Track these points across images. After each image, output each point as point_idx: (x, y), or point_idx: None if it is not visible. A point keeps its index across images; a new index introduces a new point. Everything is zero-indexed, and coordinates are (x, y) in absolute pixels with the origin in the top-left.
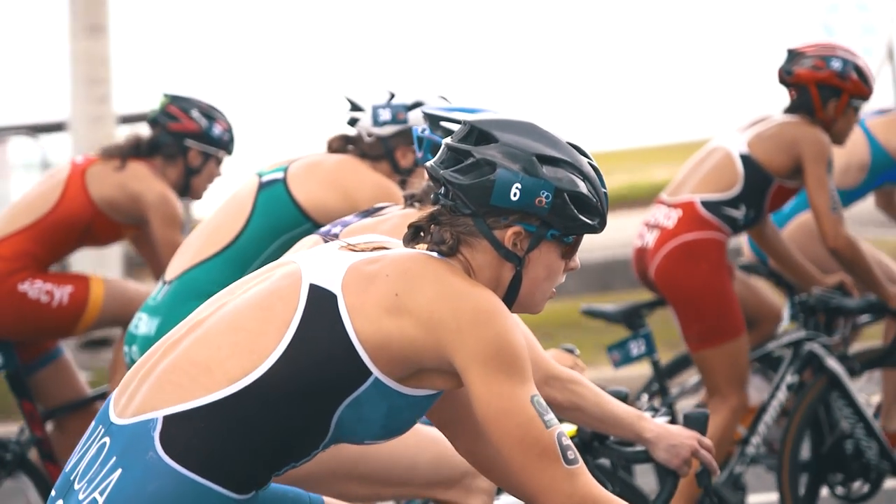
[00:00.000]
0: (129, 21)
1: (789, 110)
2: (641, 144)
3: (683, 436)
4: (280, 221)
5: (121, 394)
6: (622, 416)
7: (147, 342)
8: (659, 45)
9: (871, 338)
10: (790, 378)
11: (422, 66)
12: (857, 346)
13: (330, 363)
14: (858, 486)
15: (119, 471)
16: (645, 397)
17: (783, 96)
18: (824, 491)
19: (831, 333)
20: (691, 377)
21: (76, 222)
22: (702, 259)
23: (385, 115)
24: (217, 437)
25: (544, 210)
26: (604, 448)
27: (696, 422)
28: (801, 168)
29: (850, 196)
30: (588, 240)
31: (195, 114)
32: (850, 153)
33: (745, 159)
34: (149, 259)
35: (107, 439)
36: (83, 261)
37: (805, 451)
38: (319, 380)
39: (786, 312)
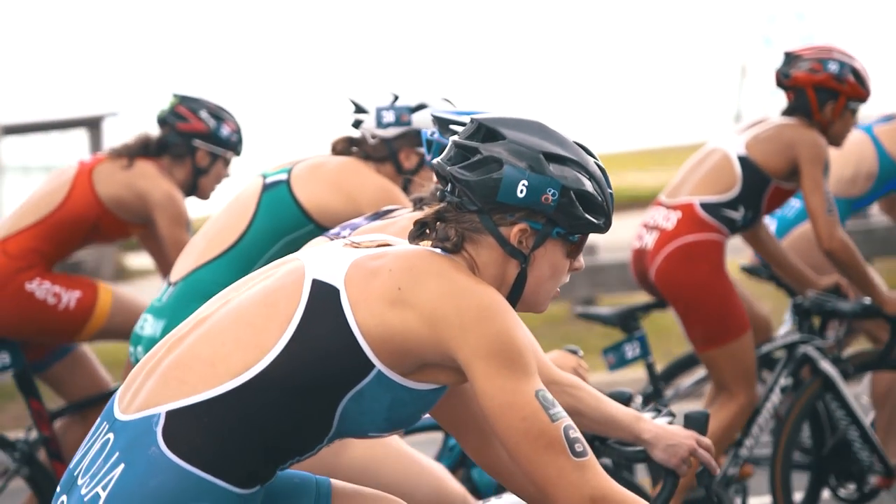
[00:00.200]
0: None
1: (787, 112)
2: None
3: (682, 436)
4: (283, 223)
5: (125, 390)
6: (620, 418)
7: (152, 343)
8: (605, 57)
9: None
10: (784, 380)
11: (424, 68)
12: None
13: (332, 356)
14: (853, 488)
15: (122, 466)
16: (639, 399)
17: (728, 108)
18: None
19: (826, 336)
20: (685, 381)
21: (82, 220)
22: (702, 260)
23: (389, 117)
24: (220, 431)
25: (550, 207)
26: (605, 447)
27: (696, 422)
28: (797, 170)
29: (857, 204)
30: None
31: (204, 114)
32: (859, 162)
33: (743, 161)
34: (156, 257)
35: (110, 435)
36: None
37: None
38: (322, 373)
39: (788, 315)
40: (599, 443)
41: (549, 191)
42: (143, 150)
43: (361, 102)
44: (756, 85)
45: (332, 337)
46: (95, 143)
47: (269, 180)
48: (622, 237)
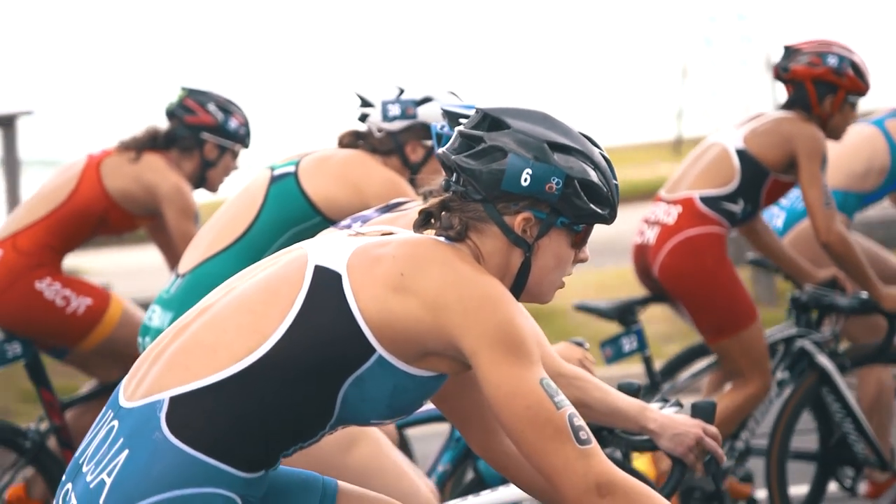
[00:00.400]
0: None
1: (786, 106)
2: None
3: (688, 424)
4: (290, 215)
5: (130, 378)
6: (626, 409)
7: (159, 335)
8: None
9: None
10: (780, 374)
11: (430, 61)
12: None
13: (334, 340)
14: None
15: (126, 452)
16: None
17: (669, 108)
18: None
19: (823, 330)
20: (682, 374)
21: (90, 213)
22: (705, 254)
23: (395, 110)
24: (223, 416)
25: (554, 197)
26: (612, 437)
27: (703, 411)
28: (795, 163)
29: (868, 198)
30: None
31: (212, 107)
32: (871, 157)
33: (741, 154)
34: (164, 249)
35: (115, 423)
36: None
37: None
38: (324, 357)
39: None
40: (607, 433)
41: (554, 180)
42: (151, 142)
43: (367, 96)
44: (697, 85)
45: (333, 322)
46: (9, 143)
47: (276, 172)
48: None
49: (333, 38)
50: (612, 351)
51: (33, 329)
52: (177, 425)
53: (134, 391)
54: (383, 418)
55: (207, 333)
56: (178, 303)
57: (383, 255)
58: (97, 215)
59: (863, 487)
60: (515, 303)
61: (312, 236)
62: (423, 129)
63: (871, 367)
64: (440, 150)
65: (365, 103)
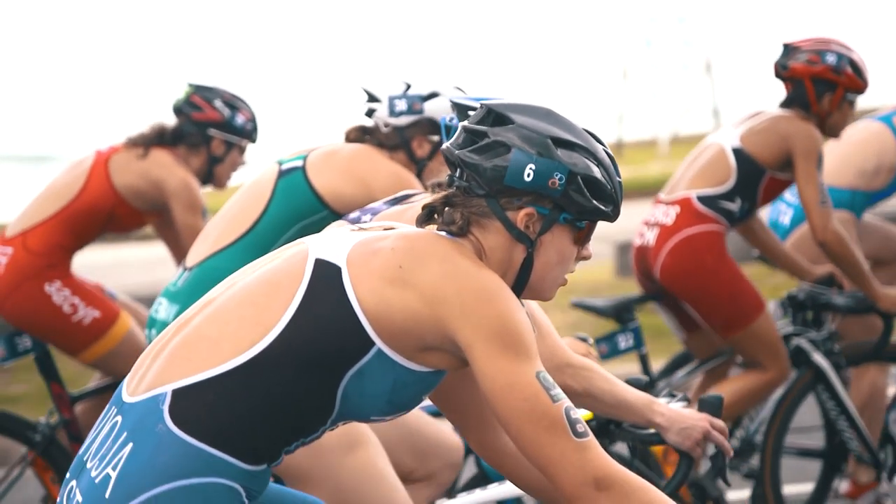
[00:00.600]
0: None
1: (784, 104)
2: None
3: (695, 418)
4: (298, 208)
5: (133, 375)
6: (634, 401)
7: (165, 327)
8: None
9: None
10: None
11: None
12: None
13: (334, 333)
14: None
15: (130, 445)
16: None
17: (611, 110)
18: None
19: (819, 328)
20: (677, 373)
21: (99, 210)
22: (705, 252)
23: (401, 105)
24: (224, 407)
25: (557, 192)
26: (619, 431)
27: (710, 405)
28: (791, 161)
29: (877, 196)
30: None
31: (218, 103)
32: (881, 154)
33: (738, 153)
34: (171, 245)
35: (118, 418)
36: None
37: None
38: (324, 350)
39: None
40: (614, 426)
41: (557, 175)
42: (158, 139)
43: (374, 91)
44: (637, 88)
45: (333, 314)
46: None
47: (284, 167)
48: None
49: (340, 33)
50: (608, 348)
51: (37, 331)
52: (179, 417)
53: (136, 386)
54: (383, 414)
55: (210, 326)
56: (185, 296)
57: (382, 249)
58: (106, 212)
59: (843, 486)
60: (513, 297)
61: (319, 230)
62: (430, 125)
63: (867, 368)
64: (444, 145)
65: (371, 98)
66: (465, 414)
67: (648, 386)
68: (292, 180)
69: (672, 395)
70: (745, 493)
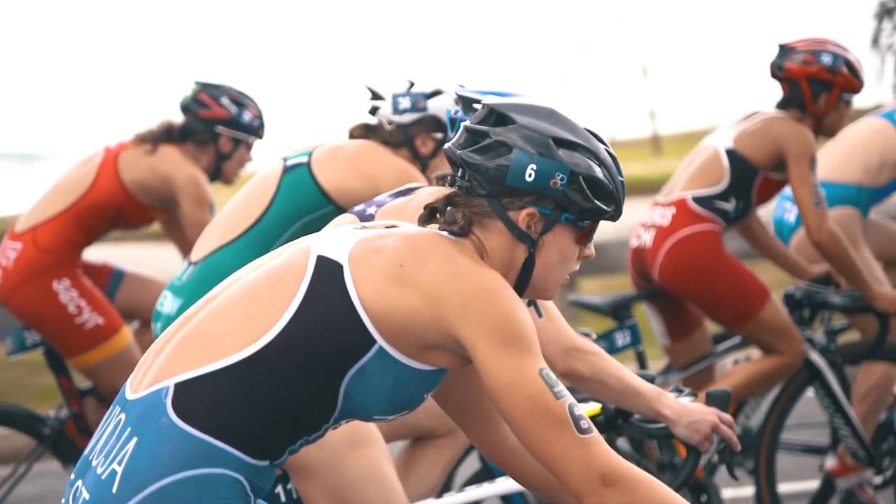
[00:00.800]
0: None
1: (781, 105)
2: None
3: (703, 412)
4: (302, 204)
5: (136, 373)
6: (643, 391)
7: (169, 322)
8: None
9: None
10: None
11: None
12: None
13: (336, 330)
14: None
15: (135, 439)
16: None
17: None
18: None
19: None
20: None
21: (108, 206)
22: (703, 251)
23: (405, 103)
24: (227, 401)
25: (559, 192)
26: (627, 425)
27: (718, 399)
28: (784, 162)
29: (881, 193)
30: None
31: (225, 101)
32: (884, 150)
33: (731, 154)
34: (178, 242)
35: (122, 416)
36: None
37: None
38: (326, 347)
39: None
40: (622, 420)
41: (558, 175)
42: (166, 135)
43: (378, 89)
44: (575, 92)
45: (335, 311)
46: None
47: (289, 163)
48: None
49: (343, 31)
50: (606, 345)
51: (39, 326)
52: (182, 409)
53: (139, 383)
54: (385, 414)
55: (212, 322)
56: (189, 290)
57: (384, 247)
58: (115, 208)
59: (829, 462)
60: (514, 295)
61: (324, 225)
62: (433, 122)
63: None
64: (446, 145)
65: (375, 96)
66: (466, 412)
67: (651, 382)
68: (297, 176)
69: (679, 390)
70: (747, 490)
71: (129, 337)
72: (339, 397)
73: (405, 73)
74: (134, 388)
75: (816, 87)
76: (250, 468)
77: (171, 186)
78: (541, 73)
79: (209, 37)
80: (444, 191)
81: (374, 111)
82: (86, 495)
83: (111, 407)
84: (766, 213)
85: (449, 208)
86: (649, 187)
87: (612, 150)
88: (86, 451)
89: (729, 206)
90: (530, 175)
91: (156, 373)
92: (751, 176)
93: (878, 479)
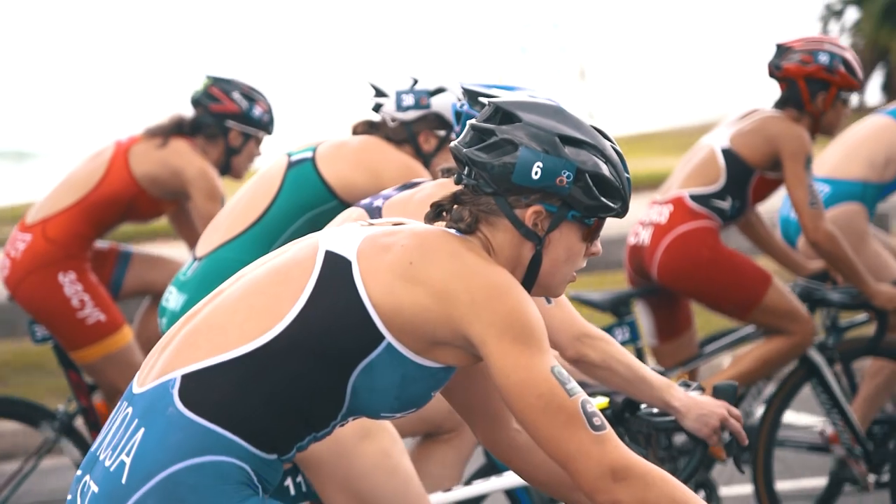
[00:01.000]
0: None
1: (778, 104)
2: None
3: (713, 405)
4: (307, 199)
5: (143, 369)
6: (652, 380)
7: (174, 317)
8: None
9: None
10: None
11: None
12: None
13: (344, 326)
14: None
15: (142, 430)
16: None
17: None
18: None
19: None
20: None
21: (119, 200)
22: (701, 247)
23: (408, 100)
24: (233, 393)
25: (565, 190)
26: (635, 419)
27: (725, 392)
28: (780, 162)
29: (886, 189)
30: None
31: (236, 95)
32: (890, 147)
33: (727, 153)
34: (186, 235)
35: (129, 409)
36: None
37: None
38: (334, 342)
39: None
40: (630, 414)
41: (564, 173)
42: (177, 129)
43: (381, 86)
44: None
45: (343, 307)
46: None
47: (293, 158)
48: None
49: (347, 28)
50: None
51: (42, 318)
52: (189, 400)
53: (146, 378)
54: (393, 411)
55: (219, 316)
56: (193, 286)
57: (393, 244)
58: (125, 201)
59: (828, 429)
60: (523, 292)
61: (328, 220)
62: (437, 120)
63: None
64: (452, 143)
65: (379, 93)
66: (474, 409)
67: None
68: (302, 171)
69: (687, 384)
70: (745, 489)
71: (129, 337)
72: (347, 393)
73: (396, 71)
74: (140, 382)
75: (814, 87)
76: (257, 460)
77: (182, 180)
78: (479, 76)
79: (208, 35)
80: (450, 183)
81: (377, 108)
82: (95, 488)
83: (118, 403)
84: (771, 209)
85: (455, 206)
86: None
87: (618, 147)
88: (93, 447)
89: (725, 204)
90: (537, 173)
91: (162, 366)
92: (747, 175)
93: (871, 478)
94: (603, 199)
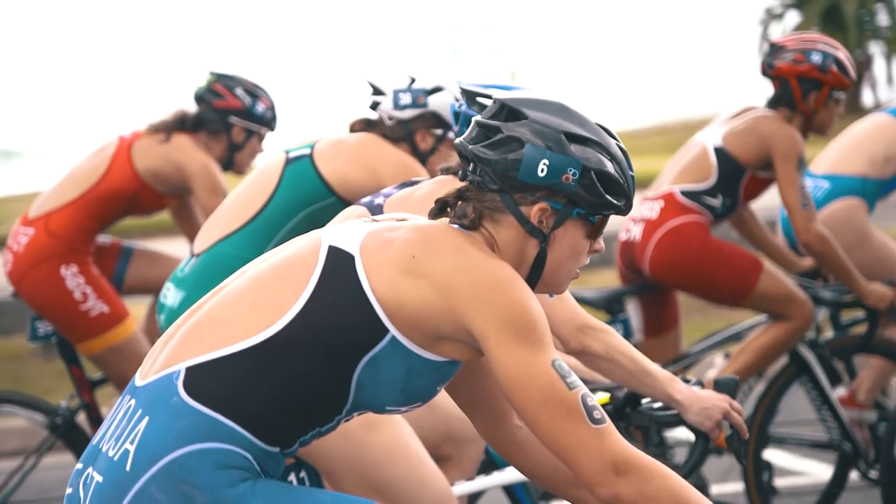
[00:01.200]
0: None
1: (771, 103)
2: None
3: (715, 399)
4: (304, 195)
5: (145, 363)
6: (655, 373)
7: (172, 314)
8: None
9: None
10: None
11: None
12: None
13: (348, 320)
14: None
15: (146, 419)
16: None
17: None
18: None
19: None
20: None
21: (122, 194)
22: (692, 240)
23: (406, 98)
24: (238, 385)
25: (571, 187)
26: (636, 413)
27: (726, 386)
28: (771, 162)
29: (888, 186)
30: None
31: (239, 91)
32: (889, 144)
33: (719, 151)
34: (187, 230)
35: (132, 401)
36: None
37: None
38: (338, 336)
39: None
40: (631, 409)
41: (570, 170)
42: (180, 125)
43: (379, 84)
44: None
45: (347, 301)
46: None
47: (291, 155)
48: None
49: (345, 27)
50: None
51: (46, 312)
52: (193, 390)
53: (148, 371)
54: (398, 405)
55: (222, 310)
56: (191, 282)
57: (396, 238)
58: (128, 196)
59: (840, 392)
60: (526, 286)
61: (327, 217)
62: (434, 118)
63: None
64: (457, 140)
65: (376, 91)
66: (475, 404)
67: None
68: (300, 167)
69: (686, 381)
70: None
71: (133, 327)
72: (352, 387)
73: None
74: (143, 376)
75: (806, 86)
76: (260, 451)
77: (185, 175)
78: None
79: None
80: (449, 181)
81: (374, 106)
82: (99, 478)
83: (121, 397)
84: (773, 207)
85: (459, 202)
86: None
87: (622, 145)
88: (94, 440)
89: (716, 202)
90: (543, 170)
91: (165, 359)
92: (738, 174)
93: (855, 475)
94: (608, 196)
